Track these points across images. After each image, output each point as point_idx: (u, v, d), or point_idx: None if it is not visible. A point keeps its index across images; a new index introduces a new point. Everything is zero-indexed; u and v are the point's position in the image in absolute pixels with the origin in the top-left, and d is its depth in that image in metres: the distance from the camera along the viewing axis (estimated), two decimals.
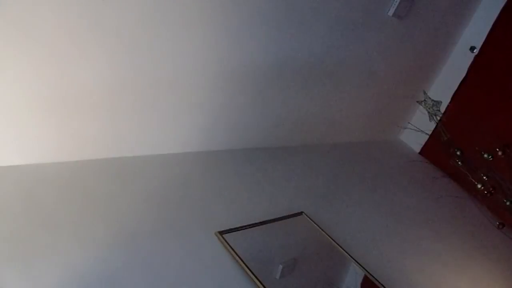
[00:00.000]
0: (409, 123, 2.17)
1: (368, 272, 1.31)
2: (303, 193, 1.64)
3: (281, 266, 1.23)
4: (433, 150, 2.36)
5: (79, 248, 1.02)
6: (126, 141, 1.43)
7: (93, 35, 1.16)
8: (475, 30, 2.30)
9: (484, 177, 1.35)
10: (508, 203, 1.32)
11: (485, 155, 1.36)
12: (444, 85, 2.41)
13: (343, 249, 1.37)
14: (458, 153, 1.41)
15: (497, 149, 1.35)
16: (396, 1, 1.84)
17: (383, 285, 1.28)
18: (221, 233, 1.22)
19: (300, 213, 1.47)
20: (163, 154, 1.53)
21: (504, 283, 1.58)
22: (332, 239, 1.40)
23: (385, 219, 1.69)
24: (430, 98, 1.52)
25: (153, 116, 1.44)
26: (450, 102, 2.33)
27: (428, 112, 1.51)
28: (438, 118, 1.50)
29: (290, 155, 1.92)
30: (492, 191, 1.33)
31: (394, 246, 1.55)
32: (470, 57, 2.29)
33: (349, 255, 1.35)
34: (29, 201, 1.10)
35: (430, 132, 1.92)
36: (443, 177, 2.15)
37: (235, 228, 1.26)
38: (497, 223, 1.42)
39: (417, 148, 2.52)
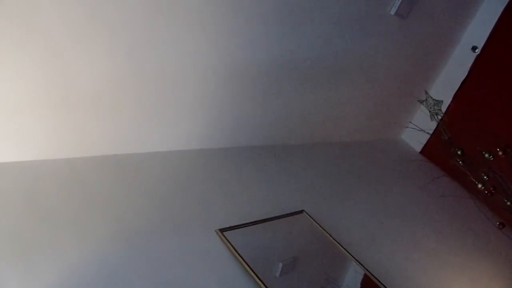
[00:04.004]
0: (410, 122, 2.17)
1: (368, 271, 1.31)
2: (304, 192, 1.64)
3: (281, 264, 1.23)
4: (434, 150, 2.36)
5: (79, 245, 1.02)
6: (127, 138, 1.43)
7: (95, 33, 1.16)
8: (477, 30, 2.30)
9: (485, 177, 1.35)
10: (508, 203, 1.31)
11: (486, 155, 1.35)
12: (445, 85, 2.40)
13: (343, 247, 1.37)
14: (459, 152, 1.40)
15: (498, 149, 1.34)
16: (398, 0, 1.83)
17: (383, 284, 1.28)
18: (222, 230, 1.22)
19: (301, 211, 1.47)
20: (163, 152, 1.53)
21: (504, 283, 1.58)
22: (333, 237, 1.40)
23: (385, 218, 1.69)
24: (431, 97, 1.51)
25: (154, 114, 1.44)
26: (451, 102, 2.33)
27: (430, 112, 1.51)
28: (439, 117, 1.49)
29: (291, 154, 1.92)
30: (493, 191, 1.33)
31: (394, 245, 1.55)
32: (471, 57, 2.29)
33: (350, 253, 1.36)
34: (28, 197, 1.10)
35: (431, 132, 1.92)
36: (444, 177, 2.15)
37: (235, 226, 1.26)
38: (498, 223, 1.42)
39: (418, 148, 2.52)
